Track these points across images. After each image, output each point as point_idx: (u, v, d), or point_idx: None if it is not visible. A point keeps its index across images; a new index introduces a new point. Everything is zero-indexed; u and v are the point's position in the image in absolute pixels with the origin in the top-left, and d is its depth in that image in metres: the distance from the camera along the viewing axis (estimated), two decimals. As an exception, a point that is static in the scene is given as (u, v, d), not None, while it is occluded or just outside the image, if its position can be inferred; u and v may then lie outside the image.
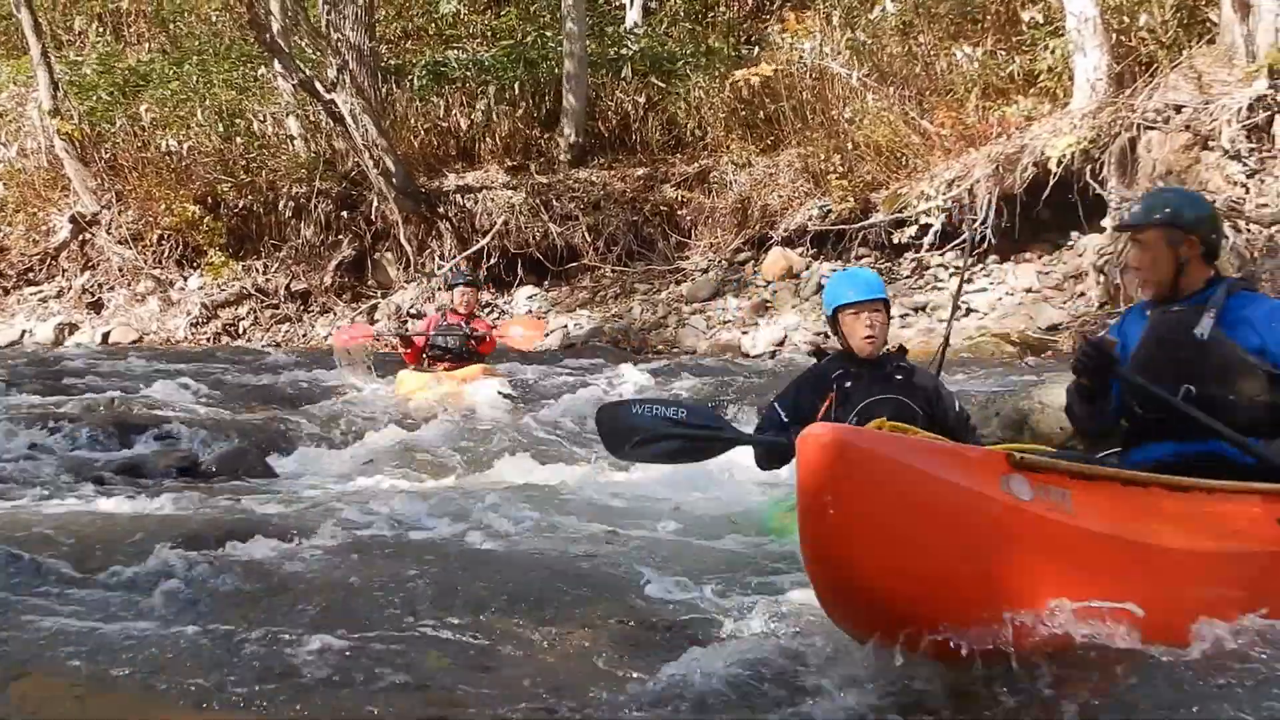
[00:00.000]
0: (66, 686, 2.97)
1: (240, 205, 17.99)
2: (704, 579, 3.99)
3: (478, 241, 16.61)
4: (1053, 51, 14.06)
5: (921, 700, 2.73)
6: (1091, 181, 12.62)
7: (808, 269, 14.70)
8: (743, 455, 4.65)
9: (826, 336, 13.56)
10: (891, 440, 2.82)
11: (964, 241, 12.56)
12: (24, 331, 17.99)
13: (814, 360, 4.91)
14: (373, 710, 2.82)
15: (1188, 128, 12.04)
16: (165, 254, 18.26)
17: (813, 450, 2.64)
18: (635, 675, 3.04)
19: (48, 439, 7.15)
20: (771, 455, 4.61)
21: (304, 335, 16.88)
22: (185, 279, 18.13)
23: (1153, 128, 12.27)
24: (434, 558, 4.23)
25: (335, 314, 16.99)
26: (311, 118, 18.10)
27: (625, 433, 4.19)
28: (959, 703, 2.71)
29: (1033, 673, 2.73)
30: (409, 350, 10.49)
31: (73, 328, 17.85)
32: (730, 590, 3.89)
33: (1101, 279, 12.32)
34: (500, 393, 9.52)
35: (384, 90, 17.84)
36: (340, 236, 17.59)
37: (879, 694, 2.76)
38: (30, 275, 19.21)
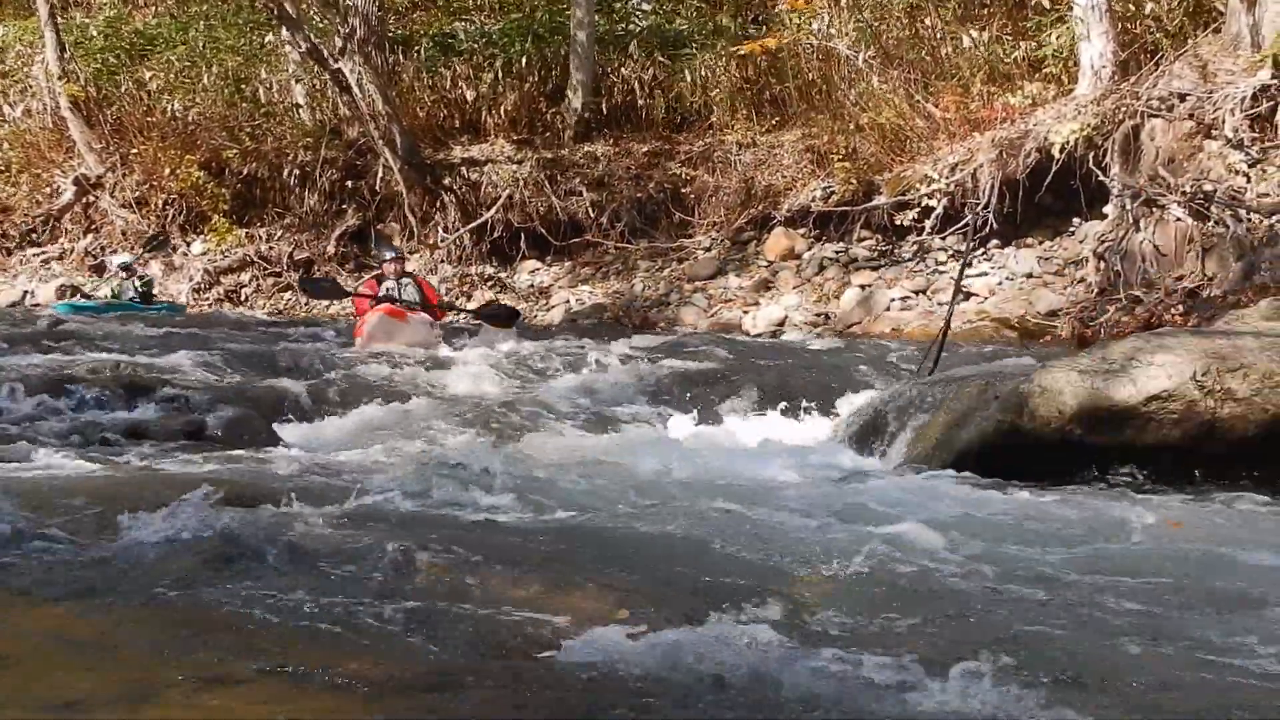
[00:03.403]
0: (68, 647, 3.01)
1: (245, 171, 18.01)
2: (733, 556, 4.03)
3: (482, 214, 16.65)
4: (1058, 38, 14.08)
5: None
6: (1094, 168, 12.66)
7: (810, 250, 14.76)
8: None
9: (827, 318, 13.65)
10: None
11: (966, 225, 12.60)
12: (26, 292, 18.04)
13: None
14: (377, 680, 2.84)
15: (1191, 116, 12.06)
16: (169, 219, 18.28)
17: None
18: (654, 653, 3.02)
19: (53, 400, 7.17)
20: None
21: (306, 304, 16.90)
22: (189, 244, 18.16)
23: (1156, 115, 12.29)
24: (441, 526, 4.28)
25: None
26: (318, 85, 18.10)
27: None
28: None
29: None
30: None
31: (75, 289, 17.88)
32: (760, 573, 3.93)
33: (1101, 265, 12.37)
34: None
35: (391, 61, 17.82)
36: (344, 206, 17.63)
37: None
38: (33, 236, 19.23)
